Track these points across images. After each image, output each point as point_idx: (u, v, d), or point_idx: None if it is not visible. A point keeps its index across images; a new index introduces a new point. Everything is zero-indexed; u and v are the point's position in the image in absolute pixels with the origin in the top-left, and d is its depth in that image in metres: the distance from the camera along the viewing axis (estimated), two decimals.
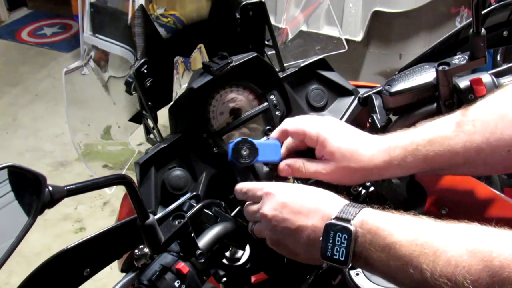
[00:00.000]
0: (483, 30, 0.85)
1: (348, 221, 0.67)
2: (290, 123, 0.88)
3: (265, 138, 0.94)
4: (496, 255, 0.55)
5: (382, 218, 0.67)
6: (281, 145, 0.89)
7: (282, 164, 0.86)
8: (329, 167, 0.82)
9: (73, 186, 0.60)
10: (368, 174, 0.82)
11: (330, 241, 0.67)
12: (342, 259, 0.67)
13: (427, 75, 0.92)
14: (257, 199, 0.79)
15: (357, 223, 0.67)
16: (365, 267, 0.68)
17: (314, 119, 0.88)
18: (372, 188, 0.96)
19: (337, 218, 0.68)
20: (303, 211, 0.73)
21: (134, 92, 0.99)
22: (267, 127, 1.00)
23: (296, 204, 0.74)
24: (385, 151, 0.80)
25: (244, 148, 0.86)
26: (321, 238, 0.68)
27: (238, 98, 0.99)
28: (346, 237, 0.66)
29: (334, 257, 0.67)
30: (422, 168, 0.80)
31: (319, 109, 1.09)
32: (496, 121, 0.74)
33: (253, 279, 0.96)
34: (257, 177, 0.88)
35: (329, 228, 0.68)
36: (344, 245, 0.67)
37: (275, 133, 0.90)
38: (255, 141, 0.86)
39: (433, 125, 0.80)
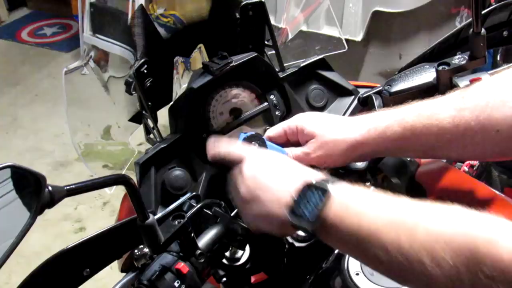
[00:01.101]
0: (483, 30, 0.85)
1: (327, 182, 0.67)
2: (270, 132, 0.91)
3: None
4: (477, 234, 0.54)
5: (360, 191, 0.67)
6: None
7: None
8: (312, 145, 0.83)
9: (73, 186, 0.60)
10: (353, 147, 0.81)
11: (303, 199, 0.66)
12: (310, 217, 0.65)
13: (427, 75, 0.92)
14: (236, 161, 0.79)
15: (335, 188, 0.66)
16: (329, 236, 0.66)
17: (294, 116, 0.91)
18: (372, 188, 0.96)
19: (316, 181, 0.68)
20: (284, 172, 0.73)
21: (134, 92, 0.99)
22: (267, 127, 1.00)
23: (280, 165, 0.75)
24: (371, 120, 0.80)
25: (253, 142, 0.86)
26: (294, 195, 0.68)
27: (238, 98, 0.99)
28: (321, 196, 0.65)
29: (302, 215, 0.66)
30: (409, 142, 0.78)
31: (319, 109, 1.09)
32: (487, 100, 0.72)
33: (253, 279, 0.96)
34: None
35: (306, 187, 0.67)
36: (316, 204, 0.65)
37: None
38: (267, 142, 0.88)
39: (423, 102, 0.79)
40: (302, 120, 0.87)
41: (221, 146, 0.83)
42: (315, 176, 0.70)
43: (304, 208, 0.66)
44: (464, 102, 0.74)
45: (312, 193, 0.67)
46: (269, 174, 0.74)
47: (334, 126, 0.84)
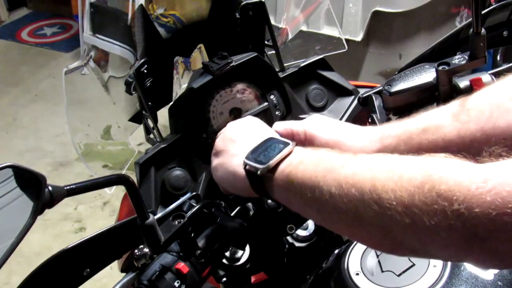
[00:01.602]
0: (483, 30, 0.85)
1: (291, 141, 0.69)
2: (278, 125, 0.88)
3: None
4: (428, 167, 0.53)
5: (324, 150, 0.67)
6: None
7: None
8: None
9: (73, 186, 0.60)
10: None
11: (263, 146, 0.70)
12: (264, 159, 0.67)
13: (427, 75, 0.92)
14: None
15: (298, 147, 0.68)
16: (281, 185, 0.66)
17: (304, 120, 0.89)
18: None
19: (282, 139, 0.71)
20: (256, 131, 0.78)
21: (134, 92, 0.99)
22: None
23: (254, 126, 0.80)
24: (377, 140, 0.79)
25: None
26: (257, 144, 0.71)
27: (238, 98, 0.99)
28: (281, 146, 0.68)
29: (257, 158, 0.68)
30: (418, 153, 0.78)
31: (319, 109, 1.09)
32: (491, 110, 0.72)
33: (253, 279, 0.96)
34: None
35: (270, 139, 0.71)
36: (275, 151, 0.67)
37: None
38: None
39: (427, 114, 0.79)
40: (313, 127, 0.84)
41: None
42: (280, 137, 0.73)
43: (262, 154, 0.68)
44: (469, 114, 0.74)
45: (273, 144, 0.70)
46: (243, 131, 0.79)
47: (343, 142, 0.81)
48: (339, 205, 0.58)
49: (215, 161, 0.80)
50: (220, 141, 0.80)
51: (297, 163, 0.65)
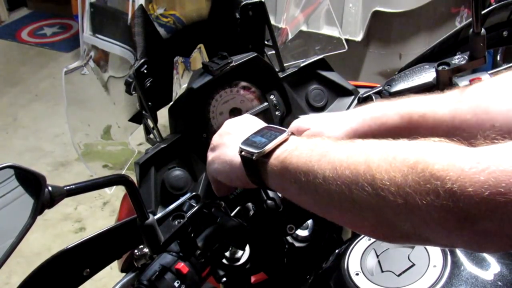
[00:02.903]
0: (483, 30, 0.85)
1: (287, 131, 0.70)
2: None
3: None
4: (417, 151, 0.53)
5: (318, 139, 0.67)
6: None
7: None
8: None
9: (73, 186, 0.60)
10: (348, 136, 0.81)
11: (260, 134, 0.70)
12: (259, 145, 0.67)
13: (427, 75, 0.92)
14: None
15: (293, 135, 0.69)
16: (276, 171, 0.66)
17: (306, 117, 0.90)
18: None
19: (277, 127, 0.72)
20: (253, 124, 0.78)
21: (134, 92, 0.99)
22: None
23: (252, 121, 0.80)
24: (367, 109, 0.81)
25: None
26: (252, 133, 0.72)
27: (238, 98, 0.99)
28: (277, 134, 0.68)
29: (254, 144, 0.68)
30: (405, 131, 0.77)
31: (319, 109, 1.09)
32: (485, 96, 0.73)
33: (253, 279, 0.96)
34: None
35: (266, 128, 0.72)
36: (270, 138, 0.67)
37: None
38: None
39: (421, 96, 0.79)
40: (304, 123, 0.86)
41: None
42: (276, 127, 0.73)
43: (258, 141, 0.69)
44: (462, 97, 0.75)
45: (268, 132, 0.70)
46: (240, 125, 0.79)
47: (333, 121, 0.84)
48: (333, 189, 0.58)
49: (210, 156, 0.80)
50: (217, 136, 0.81)
51: (292, 149, 0.65)
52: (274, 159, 0.66)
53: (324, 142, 0.64)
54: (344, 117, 0.83)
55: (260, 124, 0.80)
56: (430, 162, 0.50)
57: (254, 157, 0.67)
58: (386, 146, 0.57)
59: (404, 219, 0.53)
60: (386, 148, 0.56)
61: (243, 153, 0.70)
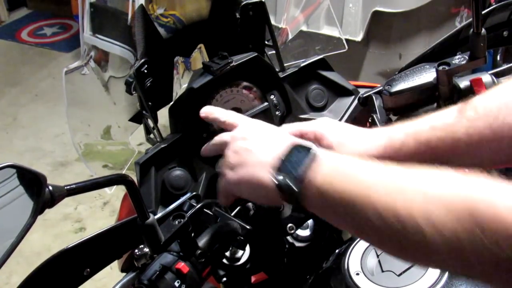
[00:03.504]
0: (483, 30, 0.85)
1: (313, 145, 0.67)
2: (288, 128, 0.87)
3: None
4: (476, 196, 0.53)
5: (349, 157, 0.65)
6: None
7: None
8: None
9: (73, 186, 0.60)
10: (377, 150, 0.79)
11: (290, 157, 0.65)
12: (296, 174, 0.63)
13: (427, 75, 0.92)
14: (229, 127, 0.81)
15: (323, 152, 0.66)
16: (316, 200, 0.63)
17: (311, 121, 0.88)
18: None
19: (303, 143, 0.68)
20: (272, 136, 0.74)
21: (134, 92, 0.99)
22: None
23: (268, 131, 0.76)
24: (386, 135, 0.79)
25: None
26: (281, 155, 0.67)
27: (238, 98, 0.99)
28: (308, 154, 0.64)
29: (288, 173, 0.64)
30: (424, 155, 0.77)
31: (319, 109, 1.09)
32: (499, 107, 0.72)
33: (253, 279, 0.96)
34: None
35: (293, 148, 0.67)
36: (304, 161, 0.63)
37: None
38: None
39: (435, 114, 0.78)
40: (322, 128, 0.83)
41: (216, 110, 0.85)
42: (302, 140, 0.70)
43: (291, 166, 0.65)
44: (477, 112, 0.74)
45: (299, 152, 0.66)
46: (257, 138, 0.74)
47: (353, 139, 0.81)
48: (381, 230, 0.57)
49: (233, 176, 0.74)
50: (232, 154, 0.75)
51: (326, 175, 0.63)
52: (311, 187, 0.63)
53: (363, 177, 0.61)
54: (367, 139, 0.81)
55: (271, 130, 0.77)
56: (480, 216, 0.50)
57: (296, 190, 0.64)
58: (424, 181, 0.57)
59: (453, 263, 0.54)
60: (426, 186, 0.56)
61: (279, 183, 0.66)
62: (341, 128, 0.84)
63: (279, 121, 1.03)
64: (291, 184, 0.64)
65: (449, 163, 0.78)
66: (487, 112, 0.73)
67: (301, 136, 0.85)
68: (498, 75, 0.90)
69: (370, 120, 0.98)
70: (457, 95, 0.89)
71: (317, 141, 0.83)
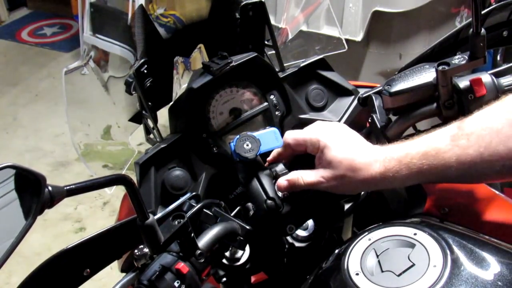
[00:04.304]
0: (483, 30, 0.85)
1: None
2: (289, 134, 0.88)
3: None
4: None
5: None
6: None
7: (281, 181, 0.85)
8: (327, 174, 0.82)
9: (73, 186, 0.60)
10: (364, 184, 0.82)
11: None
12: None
13: (427, 75, 0.92)
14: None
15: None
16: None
17: (315, 125, 0.88)
18: None
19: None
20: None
21: (134, 92, 0.99)
22: (267, 127, 1.00)
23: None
24: (381, 162, 0.81)
25: (247, 142, 0.85)
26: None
27: (238, 98, 0.99)
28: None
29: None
30: (416, 181, 0.81)
31: (319, 109, 1.09)
32: (491, 136, 0.74)
33: (253, 279, 0.96)
34: (259, 180, 0.87)
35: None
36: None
37: (275, 154, 0.90)
38: (254, 133, 0.86)
39: (428, 138, 0.80)
40: (324, 138, 0.84)
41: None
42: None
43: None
44: (469, 139, 0.76)
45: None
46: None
47: (350, 160, 0.82)
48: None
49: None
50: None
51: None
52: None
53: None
54: (370, 159, 0.82)
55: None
56: None
57: None
58: None
59: None
60: None
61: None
62: (344, 141, 0.84)
63: (279, 121, 1.03)
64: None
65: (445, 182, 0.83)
66: (479, 140, 0.75)
67: (305, 145, 0.86)
68: (498, 75, 0.90)
69: (370, 120, 0.98)
70: (457, 95, 0.89)
71: (320, 153, 0.84)
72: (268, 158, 0.91)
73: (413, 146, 0.80)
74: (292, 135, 0.87)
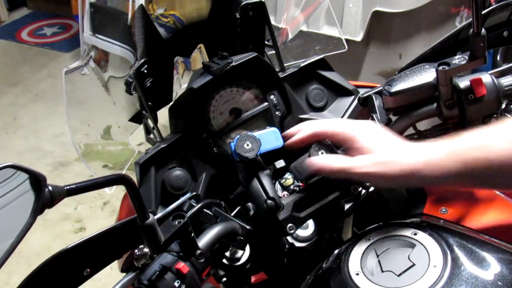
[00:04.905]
0: (483, 30, 0.85)
1: None
2: (314, 126, 0.86)
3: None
4: None
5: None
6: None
7: (315, 159, 0.83)
8: (365, 160, 0.79)
9: (73, 186, 0.60)
10: (405, 175, 0.78)
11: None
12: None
13: (427, 75, 0.92)
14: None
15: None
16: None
17: (343, 120, 0.87)
18: (372, 188, 0.96)
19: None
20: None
21: (134, 92, 0.99)
22: (267, 127, 1.00)
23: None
24: (424, 149, 0.78)
25: (247, 142, 0.85)
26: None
27: (238, 98, 0.99)
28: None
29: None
30: (460, 172, 0.76)
31: (319, 109, 1.09)
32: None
33: (253, 279, 0.96)
34: (259, 180, 0.87)
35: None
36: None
37: (301, 136, 0.87)
38: (254, 133, 0.86)
39: (473, 133, 0.77)
40: (353, 130, 0.82)
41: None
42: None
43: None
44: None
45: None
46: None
47: (391, 144, 0.80)
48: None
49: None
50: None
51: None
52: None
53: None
54: (407, 151, 0.80)
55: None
56: None
57: None
58: None
59: None
60: None
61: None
62: (374, 134, 0.82)
63: (279, 121, 1.03)
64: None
65: (482, 184, 0.80)
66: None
67: (328, 135, 0.84)
68: (498, 75, 0.90)
69: (370, 120, 0.98)
70: (457, 95, 0.89)
71: (346, 143, 0.82)
72: (287, 142, 0.89)
73: (458, 139, 0.77)
74: (315, 126, 0.85)
